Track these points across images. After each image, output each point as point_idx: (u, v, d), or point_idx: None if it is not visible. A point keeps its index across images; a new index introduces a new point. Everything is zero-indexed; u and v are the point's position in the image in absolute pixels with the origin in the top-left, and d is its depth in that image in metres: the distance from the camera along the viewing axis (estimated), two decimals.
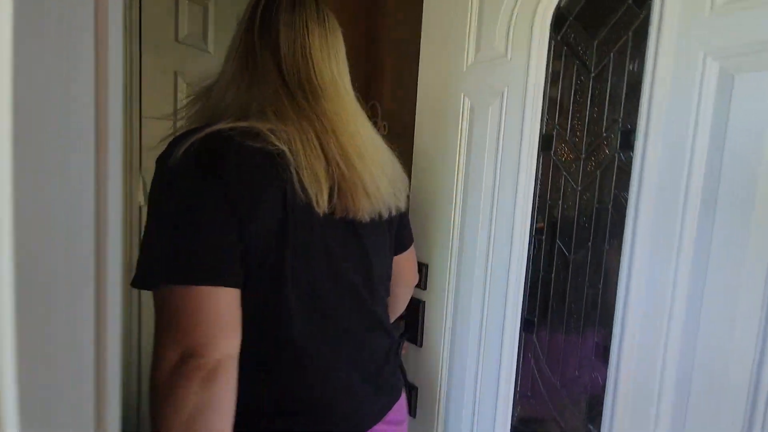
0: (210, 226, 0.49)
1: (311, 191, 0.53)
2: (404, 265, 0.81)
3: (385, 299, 0.74)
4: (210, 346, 0.46)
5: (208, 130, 0.50)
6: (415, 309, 1.04)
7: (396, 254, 0.77)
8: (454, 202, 0.98)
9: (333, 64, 0.60)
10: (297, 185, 0.52)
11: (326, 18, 0.61)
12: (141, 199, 1.20)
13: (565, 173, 0.85)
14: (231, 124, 0.51)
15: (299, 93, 0.56)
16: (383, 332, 0.70)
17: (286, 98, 0.56)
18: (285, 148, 0.52)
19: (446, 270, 0.99)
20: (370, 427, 0.63)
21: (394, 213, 0.65)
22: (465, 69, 0.95)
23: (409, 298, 0.92)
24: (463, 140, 0.96)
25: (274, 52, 0.57)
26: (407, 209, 0.75)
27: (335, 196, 0.55)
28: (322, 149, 0.55)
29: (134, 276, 0.48)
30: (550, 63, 0.83)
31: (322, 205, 0.54)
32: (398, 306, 0.89)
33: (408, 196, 0.71)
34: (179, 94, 1.27)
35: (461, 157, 0.97)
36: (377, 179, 0.60)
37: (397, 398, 0.70)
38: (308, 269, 0.56)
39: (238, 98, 0.57)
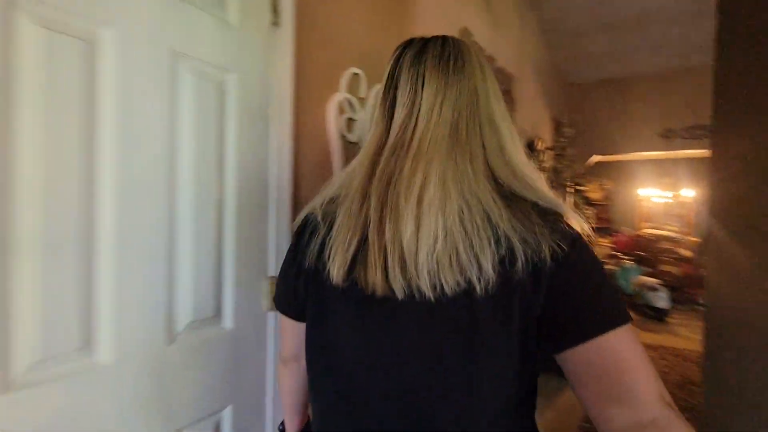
0: (282, 272, 0.66)
1: (328, 262, 0.52)
2: (585, 375, 0.46)
3: (448, 411, 0.48)
4: (283, 349, 0.70)
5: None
6: None
7: (560, 349, 0.47)
8: None
9: (446, 114, 0.52)
10: (314, 253, 0.55)
11: (450, 59, 0.54)
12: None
13: None
14: (313, 203, 0.60)
15: (387, 154, 0.53)
16: None
17: (367, 161, 0.55)
18: (320, 219, 0.56)
19: None
20: None
21: (455, 290, 0.46)
22: None
23: None
24: None
25: (389, 117, 0.56)
26: (572, 287, 0.47)
27: (358, 267, 0.51)
28: (363, 219, 0.51)
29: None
30: None
31: (333, 276, 0.52)
32: None
33: (535, 266, 0.45)
34: None
35: None
36: (419, 247, 0.46)
37: None
38: (312, 333, 0.59)
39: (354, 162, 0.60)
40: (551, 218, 0.47)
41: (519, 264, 0.45)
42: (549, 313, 0.47)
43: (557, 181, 3.47)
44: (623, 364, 0.44)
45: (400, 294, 0.48)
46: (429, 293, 0.46)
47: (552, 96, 3.95)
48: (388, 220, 0.48)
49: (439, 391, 0.48)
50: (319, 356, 0.58)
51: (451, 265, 0.45)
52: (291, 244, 0.64)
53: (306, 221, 0.60)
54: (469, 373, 0.47)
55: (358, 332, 0.53)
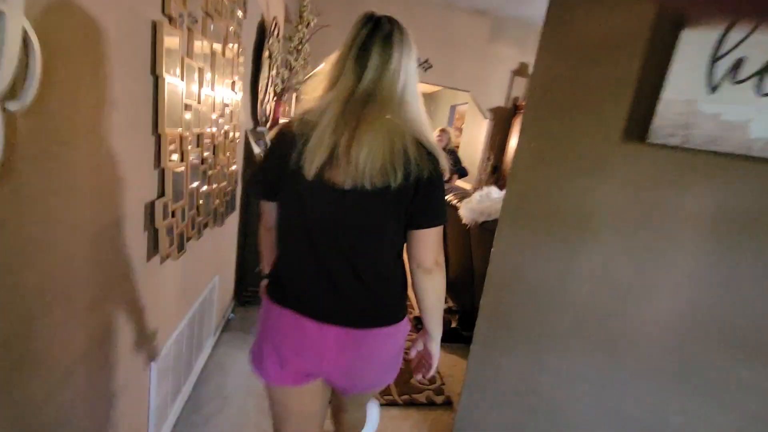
0: (259, 168, 0.97)
1: (305, 164, 0.83)
2: (412, 242, 0.91)
3: (367, 250, 0.90)
4: (266, 221, 1.03)
5: (284, 122, 1.07)
6: None
7: (409, 228, 0.90)
8: None
9: (398, 82, 0.86)
10: (295, 158, 0.85)
11: (405, 44, 0.87)
12: None
13: None
14: (290, 119, 0.94)
15: (356, 101, 0.85)
16: (350, 276, 0.90)
17: (340, 105, 0.85)
18: (300, 135, 0.85)
19: None
20: (311, 316, 0.91)
21: (380, 185, 0.82)
22: None
23: (429, 284, 0.93)
24: None
25: (360, 72, 0.85)
26: (426, 194, 0.85)
27: (326, 168, 0.84)
28: (333, 140, 0.83)
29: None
30: None
31: (308, 174, 0.83)
32: (416, 289, 0.94)
33: (417, 179, 0.83)
34: None
35: None
36: (367, 161, 0.81)
37: (352, 326, 0.91)
38: (288, 206, 0.93)
39: (319, 95, 0.90)
40: (431, 155, 0.84)
41: (412, 178, 0.82)
42: (415, 207, 0.86)
43: (288, 84, 2.87)
44: (436, 244, 0.90)
45: (350, 186, 0.83)
46: (368, 187, 0.82)
47: None
48: (353, 145, 0.81)
49: (365, 240, 0.89)
50: (293, 221, 0.92)
51: (382, 173, 0.81)
52: (270, 149, 0.94)
53: (283, 134, 0.90)
54: (383, 232, 0.89)
55: (321, 207, 0.87)
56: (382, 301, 0.92)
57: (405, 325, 0.97)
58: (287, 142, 0.86)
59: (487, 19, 4.85)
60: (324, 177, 0.83)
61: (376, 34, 0.84)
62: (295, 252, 0.92)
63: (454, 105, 7.66)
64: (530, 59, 5.09)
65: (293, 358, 0.93)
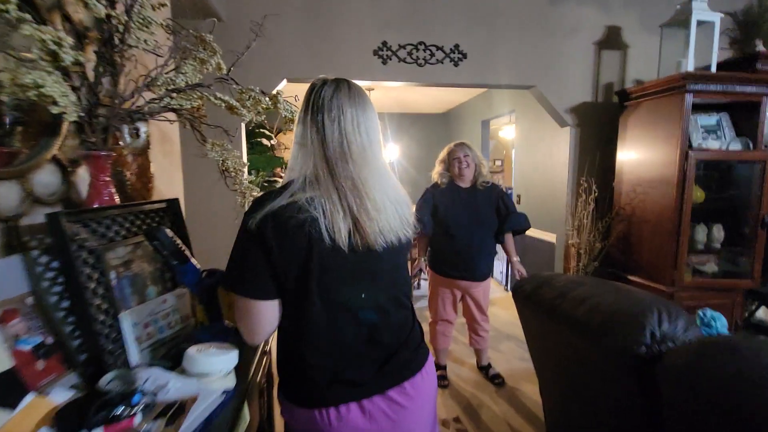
0: (255, 268, 0.85)
1: (335, 236, 0.83)
2: None
3: (402, 300, 1.00)
4: (265, 329, 0.90)
5: (268, 208, 0.82)
6: None
7: None
8: None
9: (363, 136, 0.88)
10: (325, 234, 0.82)
11: (357, 99, 0.89)
12: None
13: None
14: (282, 202, 0.83)
15: (334, 161, 0.85)
16: (391, 331, 0.97)
17: (325, 166, 0.85)
18: (316, 214, 0.82)
19: None
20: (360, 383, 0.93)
21: (404, 241, 0.95)
22: None
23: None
24: None
25: (319, 131, 0.86)
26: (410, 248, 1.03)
27: (355, 235, 0.86)
28: (346, 206, 0.85)
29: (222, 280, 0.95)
30: None
31: (344, 244, 0.84)
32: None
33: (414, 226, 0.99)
34: None
35: None
36: (390, 219, 0.89)
37: (401, 379, 0.96)
38: (330, 281, 0.87)
39: (298, 169, 0.88)
40: (409, 207, 0.97)
41: (410, 230, 0.96)
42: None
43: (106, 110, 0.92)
44: None
45: (381, 246, 0.89)
46: (396, 243, 0.92)
47: None
48: (368, 210, 0.86)
49: (392, 284, 0.97)
50: (332, 303, 0.88)
51: (403, 230, 0.94)
52: (258, 240, 0.83)
53: (274, 221, 0.82)
54: (404, 277, 1.01)
55: (359, 274, 0.89)
56: (415, 342, 1.01)
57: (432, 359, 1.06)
58: (296, 226, 0.83)
59: None
60: (353, 244, 0.86)
61: (323, 92, 0.87)
62: (341, 334, 0.90)
63: (486, 119, 5.66)
64: (622, 21, 3.13)
65: None
